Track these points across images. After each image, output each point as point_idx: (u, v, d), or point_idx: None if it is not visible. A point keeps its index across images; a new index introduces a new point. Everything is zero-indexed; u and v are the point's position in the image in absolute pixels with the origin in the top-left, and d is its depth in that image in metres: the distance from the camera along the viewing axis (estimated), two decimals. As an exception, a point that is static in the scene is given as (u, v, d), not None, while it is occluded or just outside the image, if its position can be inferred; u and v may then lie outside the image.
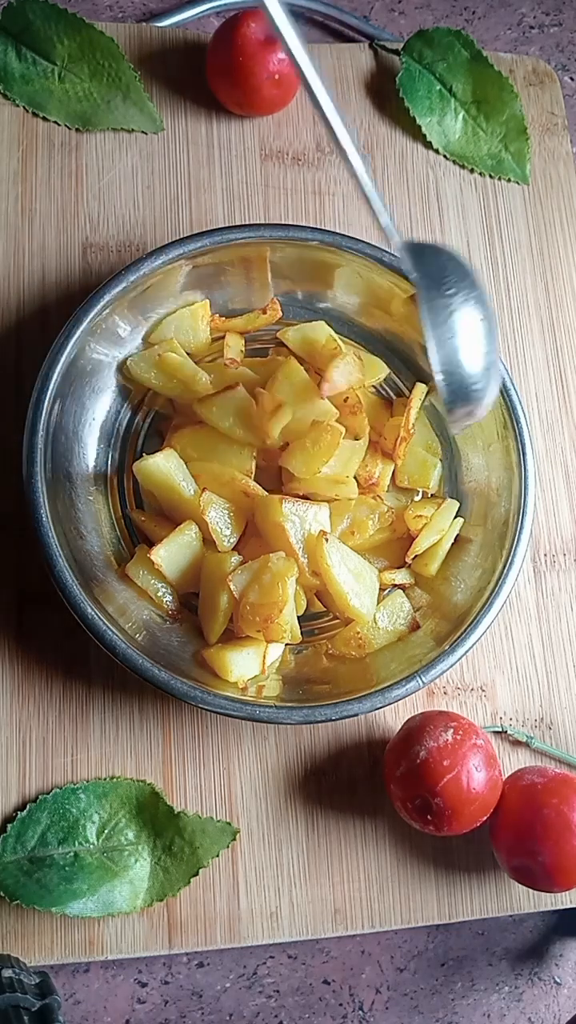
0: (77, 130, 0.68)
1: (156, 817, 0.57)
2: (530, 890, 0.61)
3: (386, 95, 0.73)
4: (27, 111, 0.68)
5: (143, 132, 0.69)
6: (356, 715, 0.55)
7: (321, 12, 0.76)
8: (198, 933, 0.57)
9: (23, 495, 0.55)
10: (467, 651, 0.57)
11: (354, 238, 0.62)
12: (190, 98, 0.71)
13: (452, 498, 0.63)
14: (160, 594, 0.59)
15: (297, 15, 0.76)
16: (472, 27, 0.80)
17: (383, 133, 0.73)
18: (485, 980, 0.63)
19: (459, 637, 0.57)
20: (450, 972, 0.63)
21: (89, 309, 0.58)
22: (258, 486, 0.59)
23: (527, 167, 0.74)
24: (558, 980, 0.64)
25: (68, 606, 0.54)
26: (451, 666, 0.56)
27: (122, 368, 0.62)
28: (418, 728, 0.57)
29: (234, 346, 0.63)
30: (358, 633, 0.60)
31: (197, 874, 0.57)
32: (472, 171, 0.73)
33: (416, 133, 0.73)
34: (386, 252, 0.61)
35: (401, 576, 0.62)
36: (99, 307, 0.58)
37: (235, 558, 0.58)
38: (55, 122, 0.68)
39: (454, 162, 0.73)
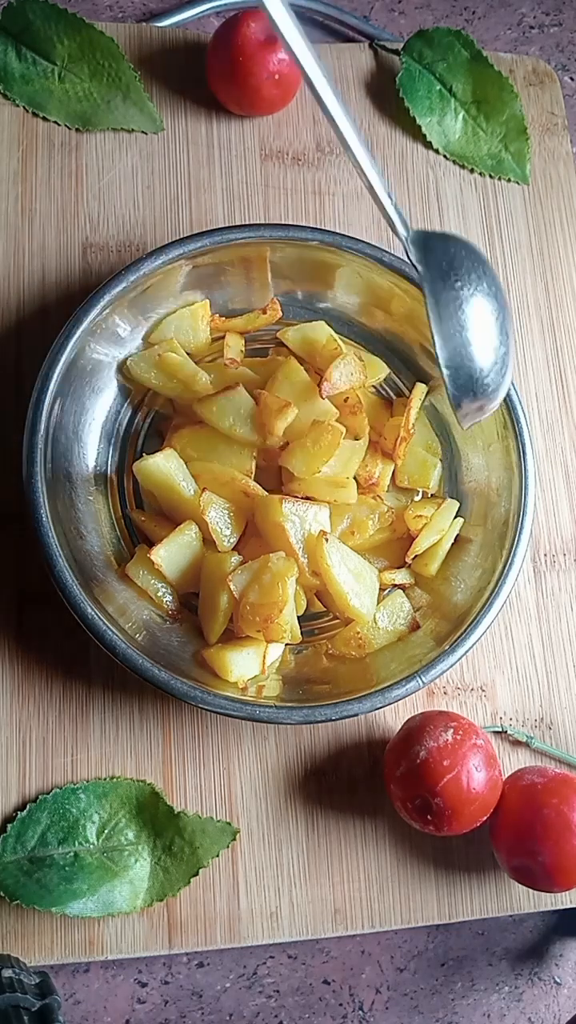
0: (77, 130, 0.68)
1: (156, 817, 0.57)
2: (530, 890, 0.61)
3: (386, 95, 0.73)
4: (27, 111, 0.68)
5: (143, 132, 0.69)
6: (356, 715, 0.55)
7: (321, 12, 0.76)
8: (198, 933, 0.57)
9: (23, 495, 0.55)
10: (467, 651, 0.57)
11: (354, 238, 0.62)
12: (190, 98, 0.71)
13: (452, 498, 0.63)
14: (160, 594, 0.59)
15: (297, 15, 0.76)
16: (472, 27, 0.80)
17: (383, 133, 0.73)
18: (485, 980, 0.63)
19: (459, 637, 0.57)
20: (450, 972, 0.63)
21: (89, 309, 0.58)
22: (258, 486, 0.59)
23: (527, 167, 0.74)
24: (558, 980, 0.64)
25: (68, 606, 0.54)
26: (451, 666, 0.56)
27: (122, 368, 0.62)
28: (418, 728, 0.57)
29: (234, 346, 0.63)
30: (358, 633, 0.60)
31: (197, 874, 0.57)
32: (472, 171, 0.73)
33: (416, 133, 0.73)
34: (386, 252, 0.61)
35: (401, 576, 0.62)
36: (99, 307, 0.58)
37: (235, 558, 0.58)
38: (55, 122, 0.68)
39: (454, 162, 0.73)
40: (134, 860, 0.57)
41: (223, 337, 0.63)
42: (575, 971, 0.64)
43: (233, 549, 0.59)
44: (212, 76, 0.69)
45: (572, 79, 0.81)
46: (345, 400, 0.61)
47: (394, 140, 0.73)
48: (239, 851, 0.59)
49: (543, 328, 0.71)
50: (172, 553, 0.58)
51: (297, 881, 0.59)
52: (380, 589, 0.61)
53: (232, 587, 0.56)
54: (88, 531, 0.59)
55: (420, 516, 0.61)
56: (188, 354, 0.62)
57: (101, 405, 0.62)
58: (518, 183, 0.74)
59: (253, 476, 0.60)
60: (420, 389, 0.64)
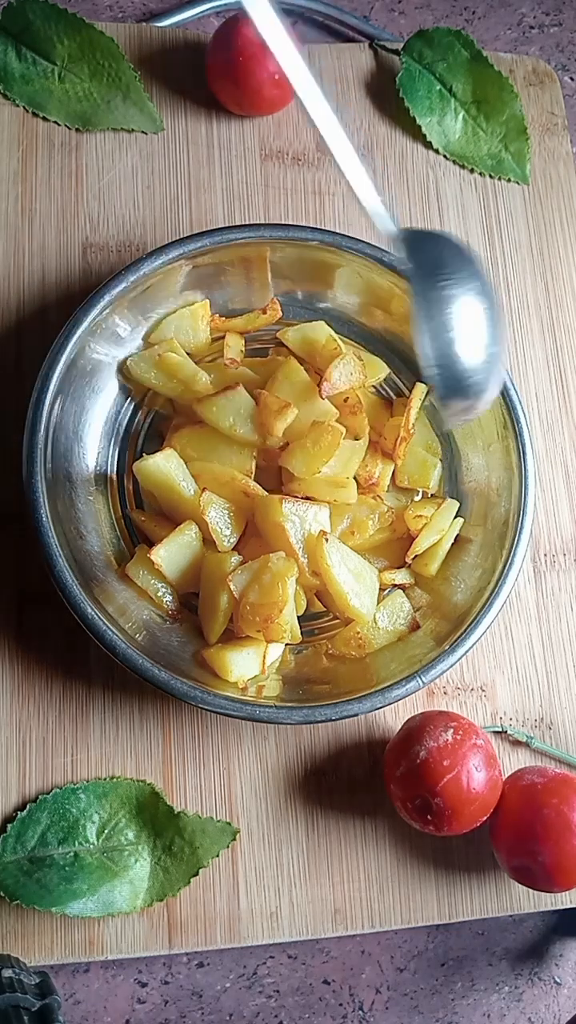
0: (77, 130, 0.68)
1: (156, 817, 0.57)
2: (530, 890, 0.61)
3: (386, 95, 0.73)
4: (27, 111, 0.68)
5: (143, 132, 0.69)
6: (356, 715, 0.55)
7: (321, 12, 0.76)
8: (198, 933, 0.57)
9: (23, 495, 0.55)
10: (467, 651, 0.57)
11: (354, 238, 0.62)
12: (190, 98, 0.71)
13: (452, 498, 0.63)
14: (160, 594, 0.59)
15: (297, 15, 0.76)
16: (472, 27, 0.80)
17: (383, 133, 0.73)
18: (485, 980, 0.63)
19: (459, 637, 0.57)
20: (450, 972, 0.63)
21: (89, 309, 0.58)
22: (258, 486, 0.59)
23: (527, 167, 0.74)
24: (558, 980, 0.64)
25: (68, 606, 0.54)
26: (451, 666, 0.56)
27: (122, 368, 0.62)
28: (418, 728, 0.57)
29: (234, 346, 0.63)
30: (358, 633, 0.60)
31: (197, 874, 0.57)
32: (472, 171, 0.73)
33: (416, 133, 0.73)
34: (386, 252, 0.61)
35: (401, 576, 0.62)
36: (99, 307, 0.58)
37: (235, 558, 0.58)
38: (55, 122, 0.68)
39: (454, 162, 0.73)
40: (134, 860, 0.57)
41: (223, 337, 0.63)
42: (575, 971, 0.64)
43: (233, 549, 0.59)
44: (212, 76, 0.69)
45: (572, 79, 0.81)
46: (345, 400, 0.61)
47: (394, 140, 0.73)
48: (239, 851, 0.59)
49: (543, 328, 0.71)
50: (172, 553, 0.58)
51: (297, 881, 0.59)
52: (380, 589, 0.61)
53: (232, 587, 0.56)
54: (88, 531, 0.59)
55: (420, 516, 0.61)
56: (188, 354, 0.62)
57: (101, 405, 0.62)
58: (518, 183, 0.74)
59: (253, 476, 0.60)
60: (420, 389, 0.64)
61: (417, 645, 0.59)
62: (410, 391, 0.64)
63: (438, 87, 0.72)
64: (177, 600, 0.59)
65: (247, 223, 0.65)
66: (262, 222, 0.68)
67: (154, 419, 0.64)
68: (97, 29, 0.68)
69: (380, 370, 0.65)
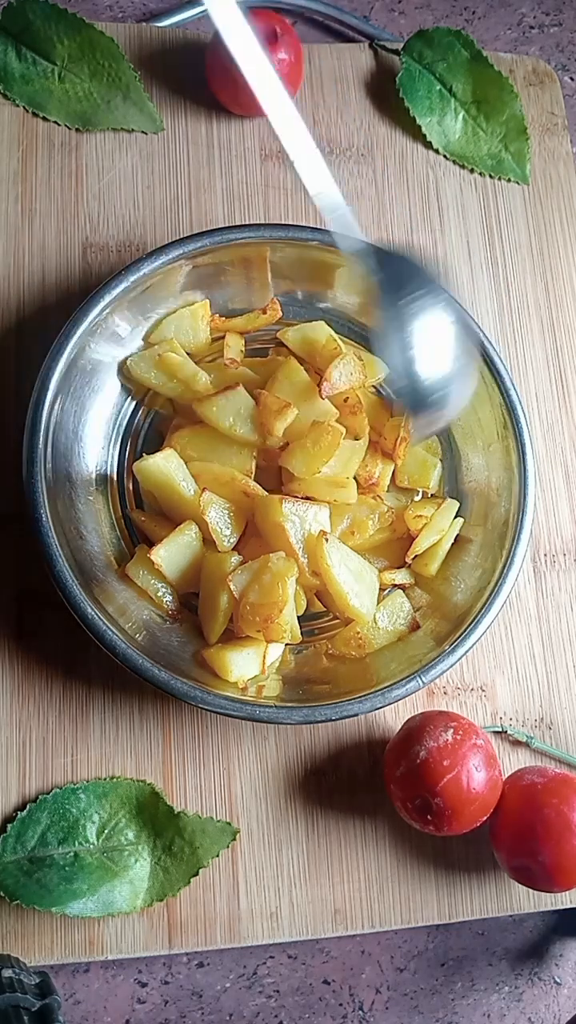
0: (77, 130, 0.68)
1: (156, 817, 0.57)
2: (530, 890, 0.61)
3: (386, 95, 0.73)
4: (27, 111, 0.68)
5: (143, 132, 0.69)
6: (356, 715, 0.55)
7: (321, 12, 0.76)
8: (198, 933, 0.57)
9: (23, 495, 0.55)
10: (467, 651, 0.57)
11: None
12: (190, 98, 0.71)
13: (452, 498, 0.63)
14: (160, 594, 0.59)
15: (297, 15, 0.76)
16: (472, 27, 0.80)
17: (383, 133, 0.73)
18: (485, 980, 0.63)
19: (459, 637, 0.57)
20: (450, 972, 0.63)
21: (89, 309, 0.58)
22: (258, 486, 0.59)
23: (527, 167, 0.74)
24: (558, 980, 0.64)
25: (68, 606, 0.54)
26: (451, 666, 0.56)
27: (122, 368, 0.62)
28: (418, 728, 0.57)
29: (234, 346, 0.63)
30: (358, 633, 0.60)
31: (197, 874, 0.57)
32: (472, 171, 0.73)
33: (416, 133, 0.73)
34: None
35: (401, 576, 0.62)
36: (99, 307, 0.58)
37: (235, 558, 0.58)
38: (55, 122, 0.68)
39: (454, 162, 0.73)
40: (134, 860, 0.57)
41: (223, 337, 0.63)
42: (575, 971, 0.64)
43: (233, 549, 0.59)
44: (212, 76, 0.69)
45: (572, 79, 0.81)
46: (345, 400, 0.61)
47: (394, 140, 0.73)
48: (239, 851, 0.59)
49: (543, 328, 0.71)
50: (172, 553, 0.58)
51: (297, 881, 0.59)
52: (380, 589, 0.61)
53: (232, 587, 0.56)
54: (88, 531, 0.59)
55: (420, 516, 0.61)
56: (188, 354, 0.62)
57: (101, 405, 0.62)
58: (518, 183, 0.74)
59: (253, 476, 0.60)
60: (420, 389, 0.64)
61: (417, 645, 0.59)
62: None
63: (438, 87, 0.73)
64: (177, 600, 0.59)
65: (247, 223, 0.65)
66: (262, 222, 0.68)
67: (154, 419, 0.64)
68: (97, 29, 0.68)
69: (380, 370, 0.65)
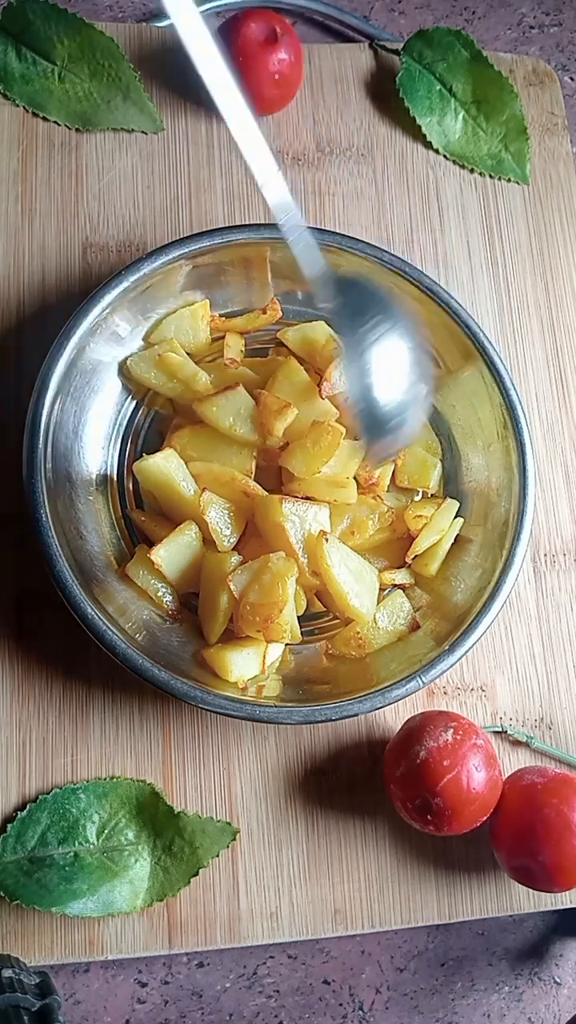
0: (77, 130, 0.68)
1: (156, 817, 0.57)
2: (530, 890, 0.61)
3: (386, 95, 0.73)
4: (27, 111, 0.68)
5: (143, 132, 0.69)
6: (356, 715, 0.55)
7: (321, 12, 0.76)
8: (198, 933, 0.57)
9: (23, 495, 0.55)
10: (467, 651, 0.57)
11: (354, 238, 0.62)
12: (190, 98, 0.71)
13: (452, 498, 0.63)
14: (160, 594, 0.59)
15: (297, 15, 0.76)
16: (472, 27, 0.80)
17: (383, 133, 0.73)
18: (485, 980, 0.63)
19: (459, 637, 0.57)
20: (450, 972, 0.63)
21: (89, 309, 0.58)
22: (258, 486, 0.59)
23: (527, 167, 0.74)
24: (558, 980, 0.64)
25: (68, 606, 0.54)
26: (451, 666, 0.56)
27: (122, 368, 0.62)
28: (418, 728, 0.57)
29: (234, 346, 0.63)
30: (358, 633, 0.60)
31: (197, 874, 0.57)
32: (472, 171, 0.73)
33: (416, 133, 0.73)
34: (386, 252, 0.61)
35: (401, 576, 0.62)
36: (99, 307, 0.58)
37: (235, 558, 0.58)
38: (55, 122, 0.68)
39: (454, 162, 0.73)
40: (134, 860, 0.57)
41: (223, 337, 0.63)
42: (575, 971, 0.64)
43: (233, 549, 0.59)
44: (212, 76, 0.69)
45: (572, 79, 0.81)
46: (345, 400, 0.61)
47: (394, 140, 0.73)
48: (239, 851, 0.59)
49: (543, 328, 0.71)
50: (172, 553, 0.58)
51: (297, 881, 0.59)
52: (380, 589, 0.61)
53: (232, 587, 0.56)
54: (88, 531, 0.59)
55: (420, 516, 0.61)
56: (188, 354, 0.62)
57: (101, 405, 0.62)
58: (518, 183, 0.74)
59: (253, 476, 0.60)
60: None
61: (417, 645, 0.59)
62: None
63: (438, 87, 0.73)
64: (177, 600, 0.59)
65: (247, 223, 0.65)
66: (262, 222, 0.68)
67: (154, 419, 0.64)
68: (97, 29, 0.68)
69: (380, 370, 0.65)
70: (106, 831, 0.57)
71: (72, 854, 0.56)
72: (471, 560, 0.61)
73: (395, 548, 0.63)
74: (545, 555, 0.67)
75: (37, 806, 0.56)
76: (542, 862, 0.55)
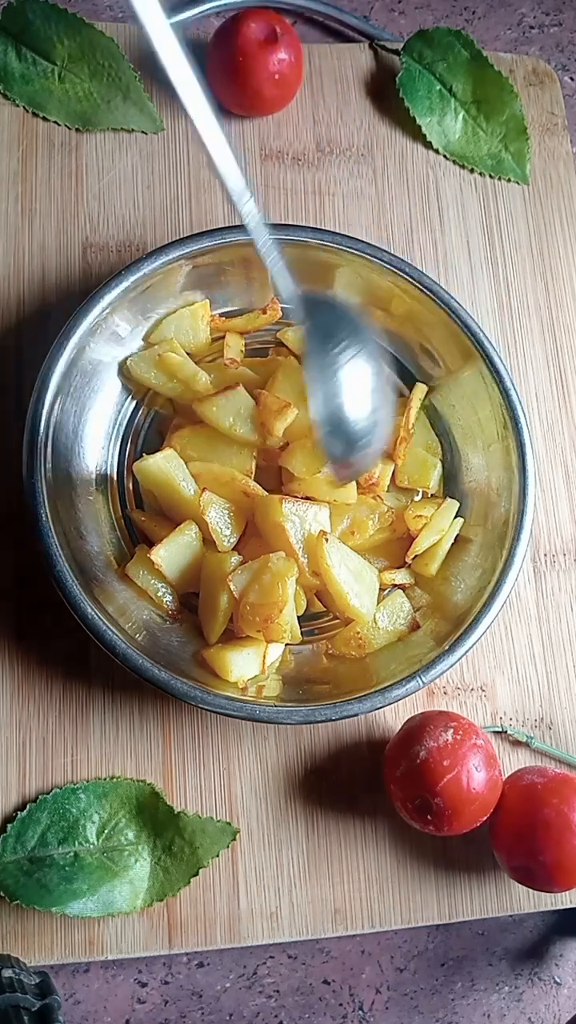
0: (77, 130, 0.68)
1: (156, 817, 0.57)
2: (530, 890, 0.61)
3: (386, 95, 0.73)
4: (27, 111, 0.68)
5: (143, 132, 0.69)
6: (356, 715, 0.55)
7: (321, 12, 0.76)
8: (198, 933, 0.57)
9: (23, 495, 0.55)
10: (467, 651, 0.57)
11: (354, 238, 0.62)
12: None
13: (452, 498, 0.63)
14: (160, 594, 0.59)
15: (297, 15, 0.76)
16: (472, 27, 0.80)
17: (383, 133, 0.73)
18: (485, 980, 0.63)
19: (459, 637, 0.57)
20: (450, 972, 0.63)
21: (89, 309, 0.58)
22: (258, 486, 0.59)
23: (527, 167, 0.74)
24: (558, 980, 0.64)
25: (68, 606, 0.54)
26: (451, 666, 0.56)
27: (122, 368, 0.62)
28: (418, 728, 0.57)
29: (234, 346, 0.63)
30: (358, 633, 0.60)
31: (197, 874, 0.57)
32: (472, 171, 0.73)
33: (416, 133, 0.73)
34: (386, 252, 0.61)
35: (401, 576, 0.62)
36: (99, 307, 0.58)
37: (235, 558, 0.58)
38: (55, 122, 0.68)
39: (454, 162, 0.73)
40: (134, 860, 0.57)
41: (223, 337, 0.63)
42: (575, 971, 0.64)
43: (233, 549, 0.59)
44: (212, 76, 0.69)
45: (572, 79, 0.81)
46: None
47: (394, 140, 0.73)
48: (239, 851, 0.59)
49: (543, 328, 0.71)
50: (172, 553, 0.58)
51: (297, 881, 0.59)
52: (380, 589, 0.61)
53: (232, 587, 0.56)
54: (88, 531, 0.59)
55: (420, 516, 0.61)
56: (188, 354, 0.62)
57: (101, 405, 0.62)
58: (518, 183, 0.74)
59: (253, 476, 0.60)
60: (420, 389, 0.64)
61: (417, 645, 0.59)
62: (410, 391, 0.64)
63: (438, 87, 0.73)
64: (177, 600, 0.59)
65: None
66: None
67: (154, 419, 0.64)
68: (97, 29, 0.68)
69: (380, 370, 0.65)
70: (106, 831, 0.57)
71: (72, 854, 0.56)
72: (471, 560, 0.61)
73: (395, 548, 0.63)
74: (545, 555, 0.67)
75: (37, 806, 0.56)
76: (542, 862, 0.55)
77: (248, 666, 0.57)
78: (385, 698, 0.55)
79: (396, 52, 0.73)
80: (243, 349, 0.64)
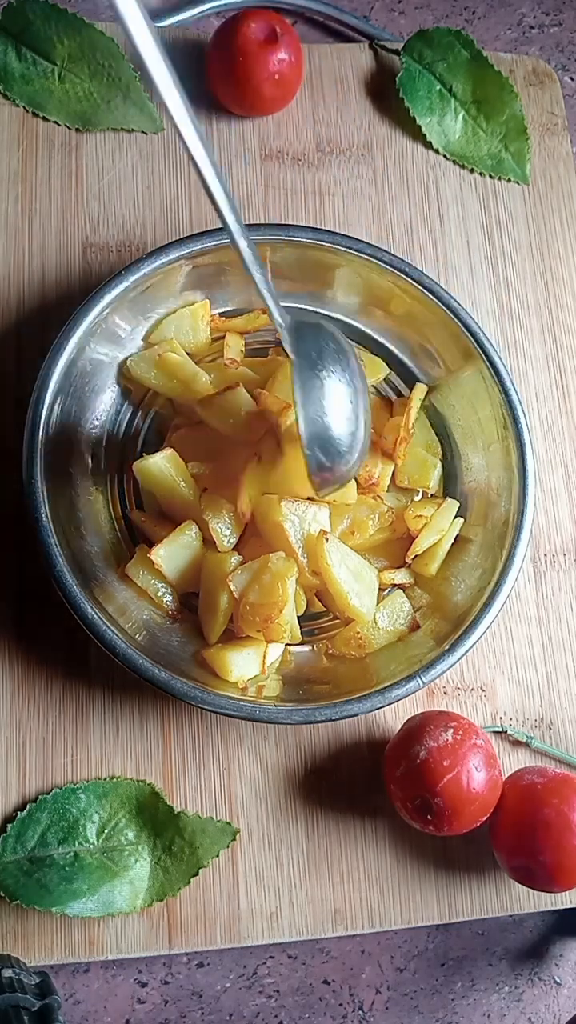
0: (77, 130, 0.68)
1: (156, 817, 0.57)
2: (530, 890, 0.61)
3: (386, 95, 0.73)
4: (27, 111, 0.68)
5: (143, 132, 0.69)
6: (356, 715, 0.55)
7: (321, 12, 0.76)
8: (198, 933, 0.57)
9: (23, 495, 0.55)
10: (467, 651, 0.57)
11: (354, 238, 0.62)
12: (190, 98, 0.70)
13: (452, 498, 0.63)
14: (160, 594, 0.59)
15: (297, 15, 0.76)
16: (472, 27, 0.80)
17: (383, 133, 0.73)
18: (485, 980, 0.63)
19: (459, 637, 0.57)
20: (450, 972, 0.63)
21: (89, 309, 0.58)
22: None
23: (527, 167, 0.74)
24: (558, 980, 0.64)
25: (68, 606, 0.54)
26: (451, 666, 0.56)
27: (122, 368, 0.62)
28: (418, 728, 0.57)
29: (234, 346, 0.63)
30: (358, 633, 0.60)
31: (197, 874, 0.57)
32: (472, 171, 0.73)
33: (416, 133, 0.73)
34: (386, 252, 0.61)
35: (401, 576, 0.62)
36: (99, 307, 0.58)
37: (235, 558, 0.58)
38: (55, 122, 0.68)
39: (454, 162, 0.73)
40: (134, 860, 0.57)
41: (223, 337, 0.63)
42: (575, 971, 0.64)
43: (233, 549, 0.59)
44: (212, 76, 0.69)
45: (572, 79, 0.81)
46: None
47: (394, 140, 0.73)
48: (239, 851, 0.59)
49: (543, 328, 0.71)
50: (172, 553, 0.58)
51: (297, 881, 0.59)
52: (380, 589, 0.61)
53: (232, 587, 0.56)
54: (88, 531, 0.59)
55: (420, 516, 0.61)
56: (188, 354, 0.62)
57: (101, 405, 0.62)
58: (518, 183, 0.74)
59: (253, 476, 0.60)
60: (420, 389, 0.64)
61: (417, 645, 0.59)
62: (410, 391, 0.64)
63: (438, 87, 0.73)
64: (177, 600, 0.59)
65: (247, 223, 0.65)
66: (262, 222, 0.68)
67: (154, 419, 0.64)
68: (97, 29, 0.68)
69: (380, 370, 0.65)
70: (106, 831, 0.57)
71: (72, 854, 0.56)
72: (471, 560, 0.61)
73: (395, 548, 0.63)
74: (545, 555, 0.67)
75: (37, 806, 0.56)
76: (542, 862, 0.55)
77: (248, 666, 0.57)
78: (385, 698, 0.55)
79: (396, 52, 0.73)
80: (243, 349, 0.64)
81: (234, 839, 0.58)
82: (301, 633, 0.59)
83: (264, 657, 0.57)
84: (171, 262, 0.60)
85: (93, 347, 0.60)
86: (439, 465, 0.64)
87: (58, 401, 0.57)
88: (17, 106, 0.68)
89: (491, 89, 0.73)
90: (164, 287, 0.61)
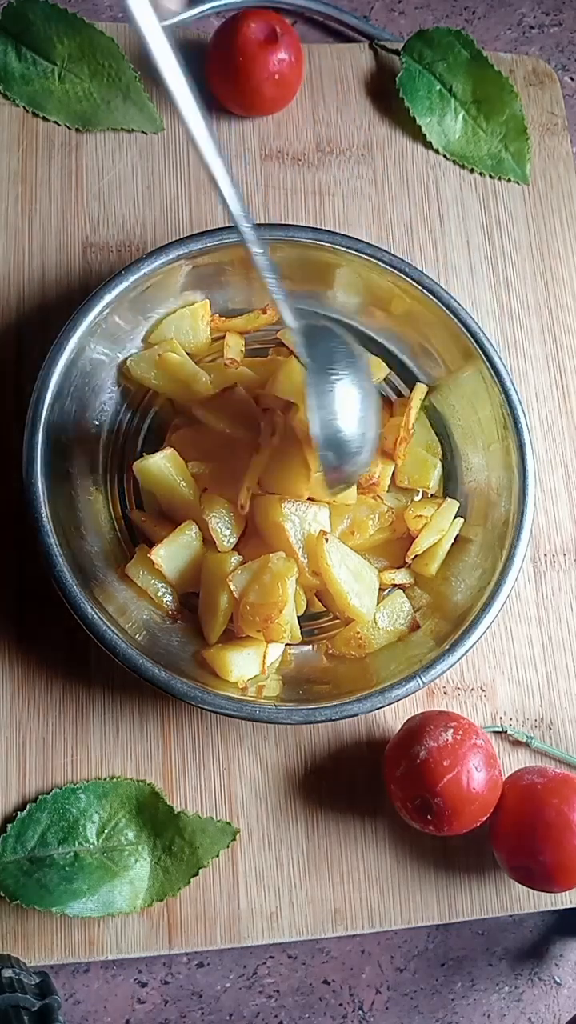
0: (77, 130, 0.68)
1: (156, 817, 0.57)
2: (530, 890, 0.61)
3: (386, 95, 0.73)
4: (27, 111, 0.68)
5: (143, 132, 0.69)
6: (356, 715, 0.55)
7: (321, 12, 0.76)
8: (198, 933, 0.57)
9: (23, 495, 0.55)
10: (467, 651, 0.57)
11: (354, 238, 0.62)
12: (190, 98, 0.70)
13: (452, 498, 0.63)
14: (160, 594, 0.59)
15: (297, 15, 0.76)
16: (472, 27, 0.80)
17: (383, 133, 0.73)
18: (485, 980, 0.63)
19: (459, 637, 0.57)
20: (450, 972, 0.63)
21: (89, 309, 0.58)
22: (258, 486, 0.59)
23: (527, 167, 0.74)
24: (558, 980, 0.64)
25: (68, 606, 0.54)
26: (451, 666, 0.56)
27: (122, 368, 0.62)
28: (418, 728, 0.57)
29: (234, 346, 0.63)
30: (358, 633, 0.60)
31: (197, 874, 0.57)
32: (472, 171, 0.73)
33: (416, 133, 0.73)
34: (386, 252, 0.61)
35: (401, 576, 0.62)
36: (99, 307, 0.58)
37: (235, 558, 0.58)
38: (55, 122, 0.68)
39: (454, 162, 0.73)
40: (134, 860, 0.57)
41: (223, 337, 0.63)
42: (575, 971, 0.64)
43: (233, 549, 0.59)
44: (212, 76, 0.69)
45: (572, 79, 0.81)
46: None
47: (394, 140, 0.73)
48: (239, 851, 0.59)
49: (543, 328, 0.71)
50: (172, 553, 0.58)
51: (297, 881, 0.59)
52: (380, 589, 0.61)
53: (232, 587, 0.56)
54: (88, 531, 0.59)
55: (420, 516, 0.61)
56: (188, 354, 0.62)
57: (101, 405, 0.62)
58: (518, 183, 0.74)
59: (253, 476, 0.60)
60: (420, 389, 0.64)
61: (417, 645, 0.59)
62: (410, 391, 0.64)
63: (438, 87, 0.72)
64: (177, 600, 0.59)
65: (247, 223, 0.65)
66: (262, 222, 0.68)
67: (154, 419, 0.64)
68: (97, 29, 0.68)
69: (380, 370, 0.65)
70: (106, 831, 0.57)
71: (72, 854, 0.56)
72: (471, 560, 0.61)
73: (395, 548, 0.63)
74: (545, 555, 0.67)
75: (37, 806, 0.56)
76: (542, 862, 0.55)
77: (248, 666, 0.57)
78: (385, 698, 0.55)
79: (396, 52, 0.73)
80: (243, 349, 0.64)
81: (234, 839, 0.58)
82: (301, 633, 0.59)
83: (264, 657, 0.57)
84: (171, 262, 0.60)
85: (93, 347, 0.60)
86: (439, 465, 0.64)
87: (58, 401, 0.57)
88: (17, 106, 0.68)
89: (491, 89, 0.73)
90: (164, 287, 0.61)
